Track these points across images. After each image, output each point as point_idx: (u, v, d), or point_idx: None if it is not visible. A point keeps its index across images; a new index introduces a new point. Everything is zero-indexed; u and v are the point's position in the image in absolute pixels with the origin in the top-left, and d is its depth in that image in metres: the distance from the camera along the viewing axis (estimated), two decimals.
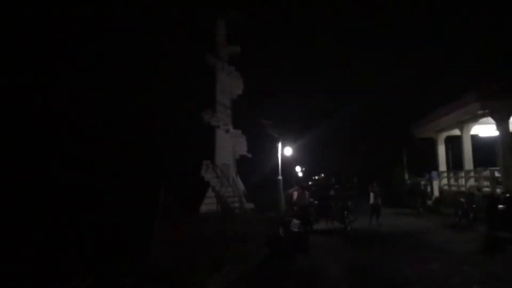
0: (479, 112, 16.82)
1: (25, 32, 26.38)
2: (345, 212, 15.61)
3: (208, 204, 24.14)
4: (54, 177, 22.25)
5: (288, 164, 34.89)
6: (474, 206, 15.42)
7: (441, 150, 24.58)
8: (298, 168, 50.02)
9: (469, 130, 20.18)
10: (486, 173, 18.42)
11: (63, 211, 19.28)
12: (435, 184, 23.62)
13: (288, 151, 21.80)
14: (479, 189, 16.77)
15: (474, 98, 16.39)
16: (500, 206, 12.90)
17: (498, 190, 16.62)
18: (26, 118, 23.88)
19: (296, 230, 10.56)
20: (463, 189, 19.78)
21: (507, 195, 13.17)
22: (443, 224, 16.72)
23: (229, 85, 26.58)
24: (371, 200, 16.77)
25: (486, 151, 24.55)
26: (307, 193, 17.30)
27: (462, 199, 16.42)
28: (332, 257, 11.05)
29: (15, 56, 25.07)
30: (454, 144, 24.26)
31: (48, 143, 23.78)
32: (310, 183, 23.75)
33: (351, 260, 10.79)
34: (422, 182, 24.87)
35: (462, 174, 20.59)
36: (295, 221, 11.37)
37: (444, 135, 24.04)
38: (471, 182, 19.52)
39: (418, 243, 12.71)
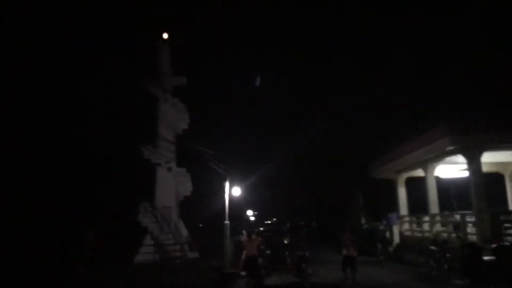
0: (449, 148, 15.15)
1: None
2: (303, 264, 13.06)
3: (145, 253, 21.18)
4: None
5: (238, 207, 32.39)
6: (448, 255, 13.46)
7: (402, 192, 22.79)
8: (249, 212, 47.48)
9: (433, 170, 18.57)
10: (456, 217, 16.60)
11: None
12: (395, 229, 21.66)
13: (237, 191, 19.32)
14: (458, 236, 14.77)
15: (445, 132, 14.73)
16: (487, 257, 10.87)
17: (469, 237, 14.89)
18: None
19: None
20: (427, 235, 17.96)
21: (494, 245, 11.18)
22: (413, 276, 14.62)
23: (174, 118, 24.10)
24: (344, 251, 13.84)
25: (449, 194, 23.13)
26: (259, 239, 14.88)
27: (433, 247, 14.50)
28: None
29: None
30: (415, 186, 22.59)
31: None
32: (261, 228, 21.32)
33: None
34: (381, 227, 23.03)
35: (427, 218, 18.77)
36: (242, 275, 8.75)
37: (404, 176, 22.40)
38: (438, 227, 17.75)
39: None
